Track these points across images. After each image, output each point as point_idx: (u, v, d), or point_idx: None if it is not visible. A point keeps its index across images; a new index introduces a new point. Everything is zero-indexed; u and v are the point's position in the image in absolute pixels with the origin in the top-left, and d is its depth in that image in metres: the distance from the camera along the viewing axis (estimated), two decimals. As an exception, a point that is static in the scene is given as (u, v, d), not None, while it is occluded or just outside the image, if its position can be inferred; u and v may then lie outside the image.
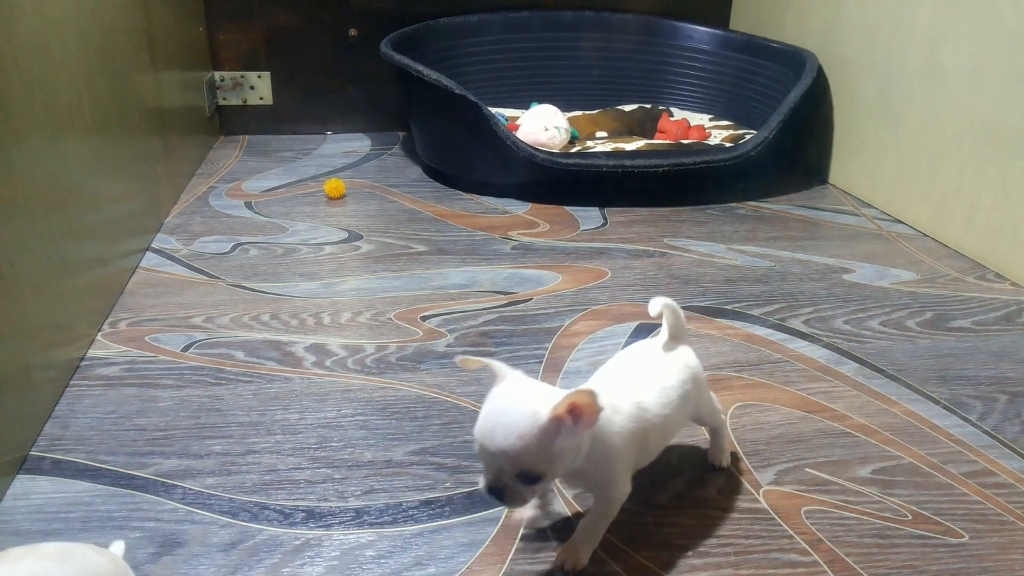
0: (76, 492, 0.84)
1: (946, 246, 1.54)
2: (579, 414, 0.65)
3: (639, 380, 0.78)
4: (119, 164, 1.34)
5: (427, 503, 0.84)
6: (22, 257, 0.92)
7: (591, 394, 0.64)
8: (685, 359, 0.82)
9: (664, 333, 0.83)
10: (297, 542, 0.78)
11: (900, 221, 1.67)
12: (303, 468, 0.88)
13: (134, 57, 1.44)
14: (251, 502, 0.83)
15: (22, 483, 0.85)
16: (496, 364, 0.69)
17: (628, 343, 1.15)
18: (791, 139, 1.86)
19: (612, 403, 0.71)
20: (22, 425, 0.91)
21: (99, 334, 1.14)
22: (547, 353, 1.13)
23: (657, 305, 0.81)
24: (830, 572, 0.76)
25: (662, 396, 0.77)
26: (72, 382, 1.03)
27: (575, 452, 0.67)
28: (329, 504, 0.83)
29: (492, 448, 0.64)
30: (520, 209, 1.70)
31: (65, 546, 0.60)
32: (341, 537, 0.79)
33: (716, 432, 0.90)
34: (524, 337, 1.17)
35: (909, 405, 1.03)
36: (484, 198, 1.76)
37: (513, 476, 0.65)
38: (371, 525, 0.81)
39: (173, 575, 0.73)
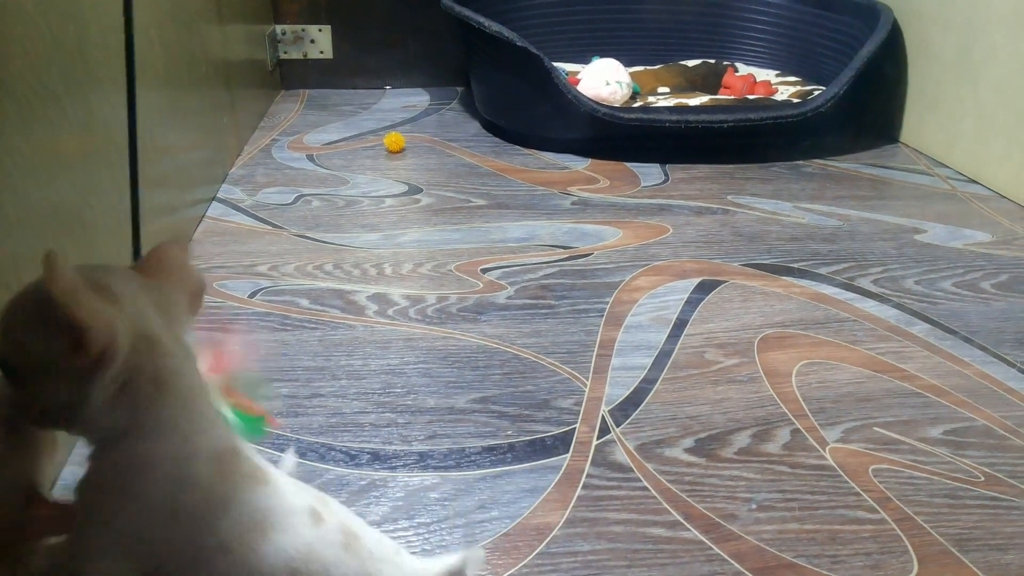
0: (152, 428, 0.87)
1: (1025, 207, 1.49)
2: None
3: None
4: (189, 114, 1.36)
5: (489, 449, 0.85)
6: (99, 202, 0.95)
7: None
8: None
9: None
10: (363, 482, 0.80)
11: (976, 182, 1.61)
12: (368, 412, 0.90)
13: (202, 7, 1.45)
14: (318, 443, 0.85)
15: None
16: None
17: (690, 299, 1.14)
18: (863, 96, 1.80)
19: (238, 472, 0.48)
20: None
21: (170, 280, 1.17)
22: (608, 307, 1.12)
23: None
24: (899, 530, 0.75)
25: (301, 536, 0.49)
26: (145, 325, 1.06)
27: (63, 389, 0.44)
28: (393, 447, 0.85)
29: None
30: (580, 165, 1.69)
31: None
32: (406, 479, 0.80)
33: None
34: (584, 291, 1.16)
35: (983, 367, 1.00)
36: (543, 153, 1.74)
37: None
38: (435, 468, 0.82)
39: (245, 509, 0.76)
